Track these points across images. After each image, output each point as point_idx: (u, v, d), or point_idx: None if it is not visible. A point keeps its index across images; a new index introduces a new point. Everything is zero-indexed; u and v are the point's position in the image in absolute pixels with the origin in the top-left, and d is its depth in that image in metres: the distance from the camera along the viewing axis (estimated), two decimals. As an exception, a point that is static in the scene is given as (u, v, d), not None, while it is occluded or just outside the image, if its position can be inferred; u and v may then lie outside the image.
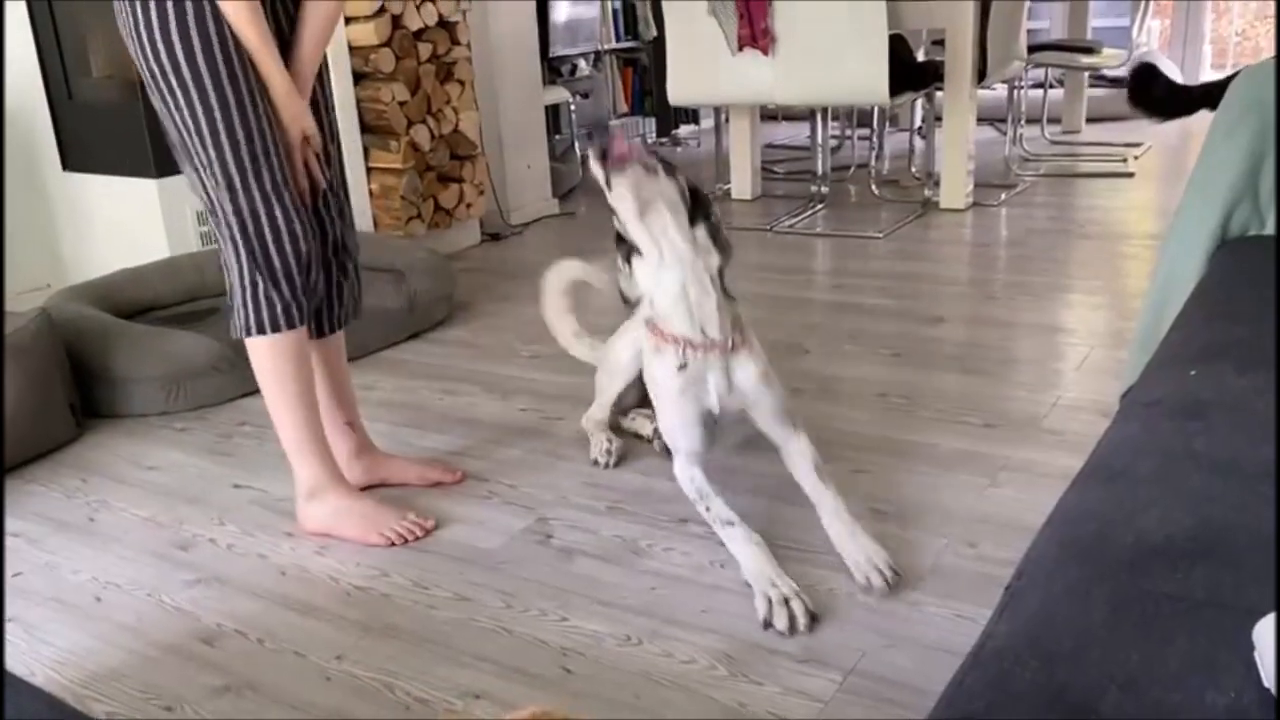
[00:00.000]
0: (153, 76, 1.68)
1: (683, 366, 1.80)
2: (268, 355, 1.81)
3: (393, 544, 1.83)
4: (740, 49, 3.71)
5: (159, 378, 2.46)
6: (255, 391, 2.52)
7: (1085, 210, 4.02)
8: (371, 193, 3.60)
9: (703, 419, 1.83)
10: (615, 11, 5.77)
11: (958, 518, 1.81)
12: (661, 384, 1.84)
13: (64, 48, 3.10)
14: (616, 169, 1.72)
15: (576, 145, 5.20)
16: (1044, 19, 6.67)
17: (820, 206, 4.29)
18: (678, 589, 1.65)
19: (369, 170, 3.58)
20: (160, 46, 1.64)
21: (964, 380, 2.42)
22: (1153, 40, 6.62)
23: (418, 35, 3.57)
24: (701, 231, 1.77)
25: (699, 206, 1.78)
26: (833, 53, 3.63)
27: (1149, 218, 3.90)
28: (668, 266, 1.76)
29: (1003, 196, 4.24)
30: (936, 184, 4.17)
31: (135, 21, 1.64)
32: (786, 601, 1.56)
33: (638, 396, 2.18)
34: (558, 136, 5.18)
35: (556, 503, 1.96)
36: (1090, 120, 5.65)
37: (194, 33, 1.63)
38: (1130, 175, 4.52)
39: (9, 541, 1.94)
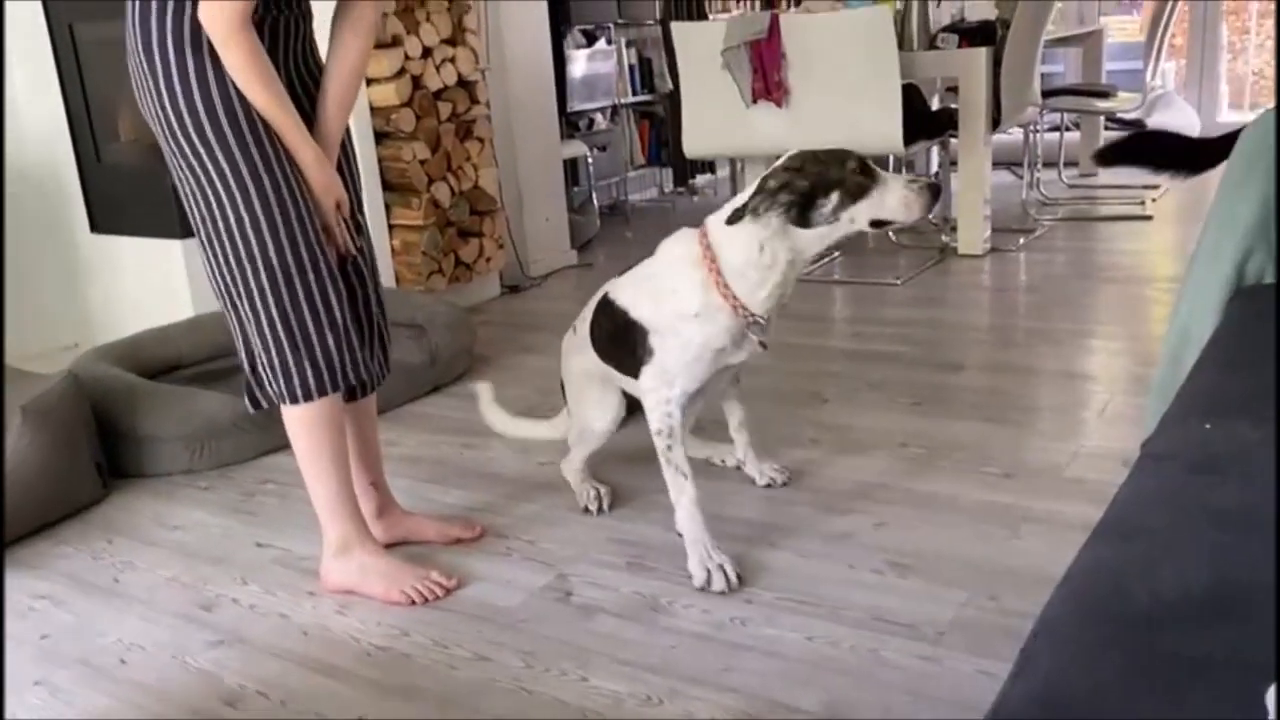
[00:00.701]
0: (179, 148, 1.69)
1: (757, 324, 1.85)
2: (302, 422, 1.82)
3: (414, 602, 1.84)
4: (754, 101, 3.75)
5: (184, 437, 2.49)
6: (278, 449, 2.56)
7: (1104, 254, 4.02)
8: (393, 249, 3.65)
9: (716, 367, 1.89)
10: (631, 67, 5.86)
11: (979, 570, 1.80)
12: (705, 336, 1.83)
13: (93, 113, 3.18)
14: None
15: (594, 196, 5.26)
16: (1058, 63, 6.71)
17: (837, 253, 4.31)
18: (698, 647, 1.65)
19: (391, 227, 3.64)
20: (186, 119, 1.66)
21: (984, 429, 2.41)
22: (1168, 82, 6.64)
23: (438, 95, 3.64)
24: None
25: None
26: (846, 104, 3.66)
27: (1168, 261, 3.89)
28: (802, 264, 1.83)
29: (1021, 241, 4.24)
30: (954, 229, 4.18)
31: (158, 94, 1.67)
32: (721, 567, 1.81)
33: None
34: (576, 189, 5.24)
35: (576, 559, 1.97)
36: (1107, 163, 5.66)
37: (218, 103, 1.66)
38: (1149, 218, 4.52)
39: (37, 604, 1.96)
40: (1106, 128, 5.70)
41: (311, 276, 1.75)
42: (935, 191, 1.76)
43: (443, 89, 3.65)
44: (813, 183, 1.73)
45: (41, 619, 1.90)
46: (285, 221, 1.71)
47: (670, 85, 5.74)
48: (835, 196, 1.74)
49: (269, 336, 1.76)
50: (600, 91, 5.48)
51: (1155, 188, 4.99)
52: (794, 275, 1.83)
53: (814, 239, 1.78)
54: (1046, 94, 4.81)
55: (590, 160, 5.21)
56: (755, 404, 2.21)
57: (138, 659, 1.75)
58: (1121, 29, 7.12)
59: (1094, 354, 2.93)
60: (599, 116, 5.63)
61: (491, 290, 4.07)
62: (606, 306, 2.02)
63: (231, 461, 2.55)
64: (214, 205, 1.71)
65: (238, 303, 1.77)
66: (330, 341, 1.78)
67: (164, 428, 2.49)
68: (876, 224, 1.76)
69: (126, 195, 3.18)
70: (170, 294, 3.12)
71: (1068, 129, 5.59)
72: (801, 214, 1.74)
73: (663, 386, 1.88)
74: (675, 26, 4.06)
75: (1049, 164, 5.40)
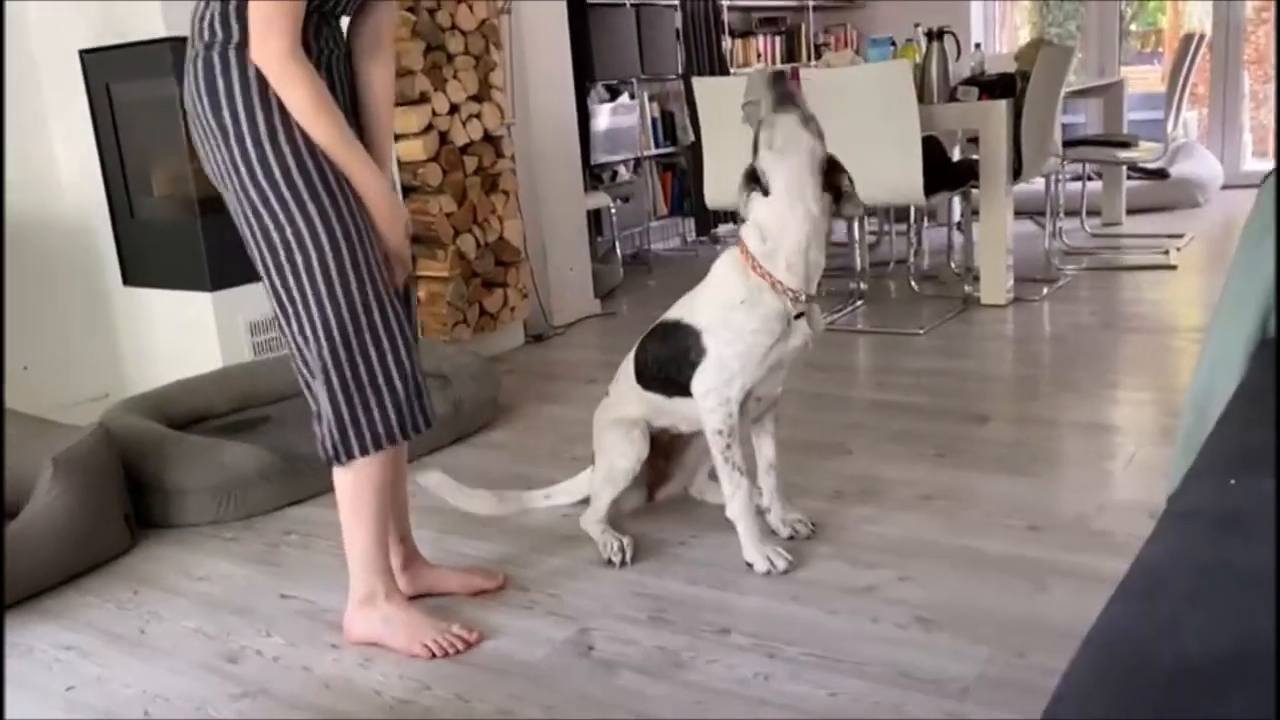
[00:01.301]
0: (250, 203, 1.70)
1: (799, 316, 2.00)
2: (355, 473, 1.83)
3: (435, 655, 1.84)
4: (776, 153, 3.79)
5: (210, 488, 2.51)
6: (302, 500, 2.58)
7: (1129, 304, 4.01)
8: (419, 300, 3.69)
9: (773, 363, 2.01)
10: (654, 120, 5.93)
11: (1005, 625, 1.78)
12: (758, 321, 1.98)
13: (127, 169, 3.25)
14: (783, 106, 1.97)
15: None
16: (1079, 114, 6.74)
17: (860, 303, 4.32)
18: (721, 703, 1.64)
19: (417, 278, 3.68)
20: (259, 173, 1.68)
21: (1009, 481, 2.40)
22: (1191, 131, 6.65)
23: (464, 149, 3.70)
24: (827, 199, 1.99)
25: (834, 173, 2.00)
26: (867, 156, 3.69)
27: (1194, 310, 3.87)
28: (796, 221, 1.96)
29: (1044, 291, 4.24)
30: (976, 279, 4.18)
31: (228, 151, 1.68)
32: (778, 550, 2.05)
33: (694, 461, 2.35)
34: (599, 239, 5.29)
35: (598, 612, 1.96)
36: (1130, 212, 5.66)
37: (288, 154, 1.67)
38: (1173, 268, 4.50)
39: (63, 654, 1.97)
40: (1129, 177, 5.71)
41: (380, 324, 1.76)
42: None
43: (469, 143, 3.71)
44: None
45: (67, 670, 1.92)
46: (355, 269, 1.72)
47: (692, 138, 5.81)
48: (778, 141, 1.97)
49: (338, 387, 1.76)
50: (623, 144, 5.55)
51: (1179, 237, 4.98)
52: (803, 234, 1.96)
53: (778, 202, 1.98)
54: (1068, 144, 4.83)
55: (613, 211, 5.26)
56: (779, 453, 2.20)
57: (162, 711, 1.75)
58: (1142, 79, 7.15)
59: (1119, 405, 2.91)
60: (622, 168, 5.70)
61: (515, 340, 4.10)
62: (656, 330, 2.16)
63: (256, 512, 2.56)
64: (285, 256, 1.72)
65: (306, 354, 1.77)
66: (399, 387, 1.80)
67: (191, 479, 2.52)
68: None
69: (158, 249, 3.24)
70: (199, 346, 3.16)
71: (1090, 179, 5.60)
72: (764, 187, 1.98)
73: (722, 386, 2.02)
74: (697, 81, 4.12)
75: (1071, 213, 5.40)
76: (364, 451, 1.80)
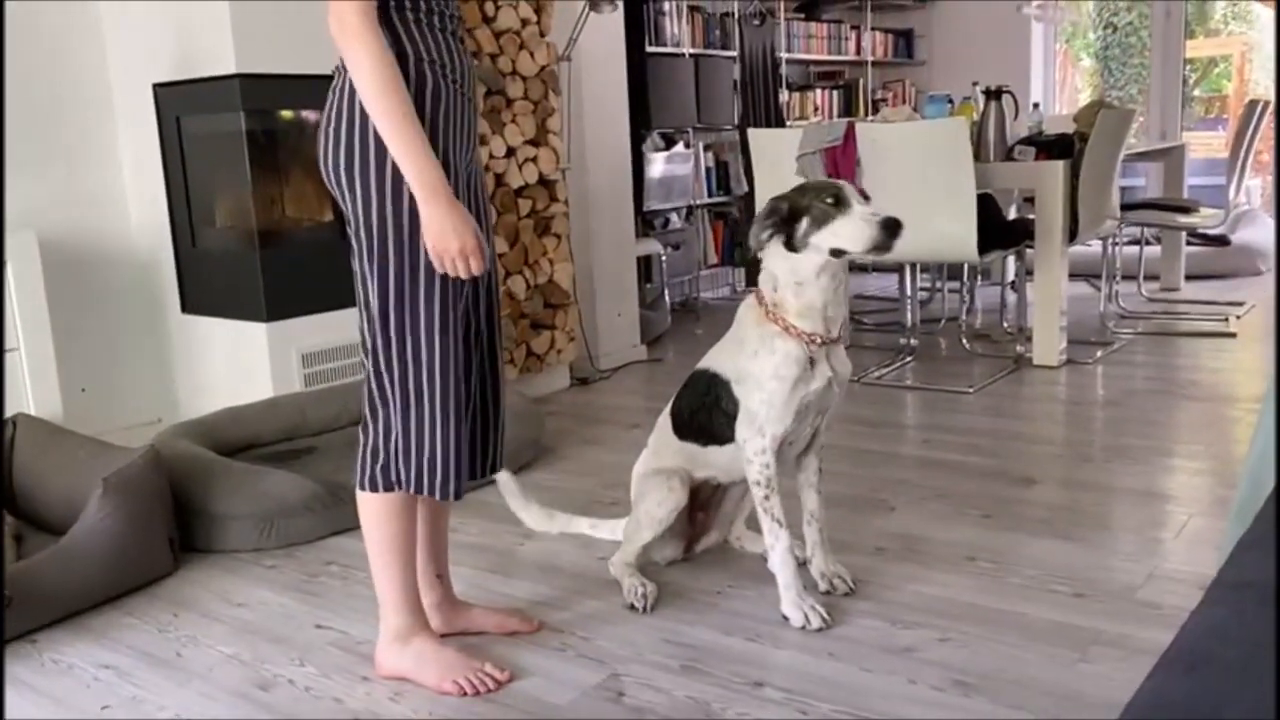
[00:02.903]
0: (364, 225, 1.71)
1: (813, 360, 1.97)
2: (382, 510, 1.84)
3: (465, 693, 1.83)
4: (829, 206, 3.79)
5: (254, 515, 2.54)
6: (343, 531, 2.59)
7: (1186, 370, 3.93)
8: (467, 338, 3.72)
9: (799, 408, 1.99)
10: (708, 169, 5.98)
11: (1047, 694, 1.73)
12: (772, 368, 1.97)
13: (192, 200, 3.34)
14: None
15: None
16: (1139, 177, 6.67)
17: (910, 359, 4.28)
18: (750, 756, 1.61)
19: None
20: (373, 186, 1.69)
21: (1056, 546, 2.35)
22: (1254, 199, 6.55)
23: (519, 192, 3.75)
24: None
25: None
26: (921, 212, 3.68)
27: (1254, 380, 3.78)
28: (819, 286, 1.94)
29: (1098, 354, 4.17)
30: (1029, 339, 4.13)
31: (362, 166, 1.69)
32: (814, 608, 2.01)
33: (729, 509, 2.35)
34: (648, 285, 5.32)
35: (630, 658, 1.94)
36: (1189, 278, 5.58)
37: (406, 193, 1.67)
38: (1233, 335, 4.41)
39: (101, 674, 2.00)
40: (1188, 243, 5.63)
41: (450, 346, 1.74)
42: (891, 226, 1.86)
43: (524, 186, 3.76)
44: (790, 208, 1.93)
45: (104, 689, 1.94)
46: (444, 296, 1.74)
47: (746, 188, 5.84)
48: (805, 222, 1.91)
49: (414, 416, 1.76)
50: (676, 192, 5.59)
51: (1240, 304, 4.89)
52: (820, 294, 1.94)
53: (804, 263, 1.93)
54: (1126, 207, 4.78)
55: (664, 258, 5.29)
56: (823, 506, 2.18)
57: (193, 735, 1.76)
58: (1205, 145, 7.07)
59: (1173, 473, 2.84)
60: (674, 216, 5.74)
61: (561, 382, 4.12)
62: (688, 380, 2.18)
63: (298, 541, 2.59)
64: (381, 280, 1.72)
65: (386, 378, 1.76)
66: (465, 437, 1.80)
67: (236, 505, 2.55)
68: (836, 252, 1.90)
69: (217, 278, 3.32)
70: (251, 375, 3.22)
71: (1148, 243, 5.53)
72: (789, 239, 1.93)
73: (755, 436, 2.01)
74: (752, 132, 4.15)
75: (1128, 277, 5.33)
76: (419, 487, 1.79)
